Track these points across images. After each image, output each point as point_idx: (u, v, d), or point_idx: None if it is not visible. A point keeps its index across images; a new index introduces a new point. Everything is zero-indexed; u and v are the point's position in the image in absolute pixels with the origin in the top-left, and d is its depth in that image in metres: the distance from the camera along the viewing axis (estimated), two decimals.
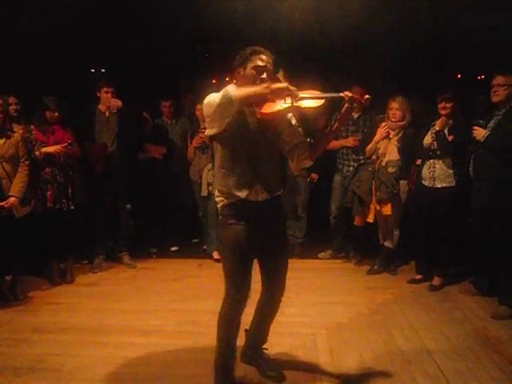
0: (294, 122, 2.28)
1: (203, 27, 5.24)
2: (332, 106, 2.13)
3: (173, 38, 5.67)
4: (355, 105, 2.12)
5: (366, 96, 2.09)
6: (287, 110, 2.05)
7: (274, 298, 2.42)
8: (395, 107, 3.92)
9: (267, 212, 2.23)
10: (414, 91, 4.80)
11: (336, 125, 2.20)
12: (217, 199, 2.27)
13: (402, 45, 5.42)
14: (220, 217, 2.28)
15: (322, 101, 2.05)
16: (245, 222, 2.19)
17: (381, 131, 3.97)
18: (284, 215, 2.43)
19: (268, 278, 2.37)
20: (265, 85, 1.97)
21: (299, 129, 2.28)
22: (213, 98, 2.02)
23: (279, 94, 1.99)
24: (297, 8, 4.76)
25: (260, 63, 2.10)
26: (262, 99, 2.02)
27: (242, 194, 2.17)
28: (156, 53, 5.94)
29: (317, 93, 2.08)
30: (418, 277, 3.89)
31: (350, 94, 2.05)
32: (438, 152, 3.63)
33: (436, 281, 3.74)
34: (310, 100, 2.05)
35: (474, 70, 6.31)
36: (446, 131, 3.61)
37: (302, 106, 2.04)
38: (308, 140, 2.28)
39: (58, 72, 5.37)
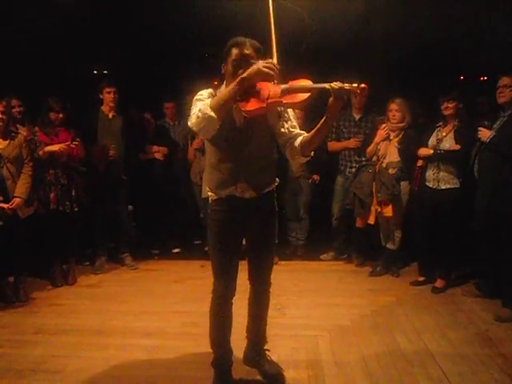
0: (286, 115, 2.17)
1: (205, 29, 5.25)
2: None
3: (175, 40, 5.68)
4: (345, 97, 1.92)
5: (362, 85, 1.84)
6: (267, 106, 1.95)
7: (260, 292, 2.44)
8: (394, 109, 3.92)
9: (254, 210, 2.21)
10: (415, 93, 4.80)
11: (325, 119, 2.00)
12: (208, 193, 2.28)
13: (404, 46, 5.41)
14: (209, 211, 2.29)
15: (307, 94, 1.91)
16: (231, 218, 2.20)
17: (380, 133, 3.97)
18: (273, 213, 2.35)
19: (254, 275, 2.40)
20: (236, 80, 1.93)
21: (293, 123, 2.18)
22: (193, 114, 1.99)
23: (257, 78, 1.91)
24: (297, 9, 4.76)
25: (236, 56, 2.03)
26: (241, 93, 1.95)
27: (224, 192, 2.17)
28: (158, 54, 5.95)
29: (305, 84, 1.94)
30: (421, 279, 3.88)
31: (337, 85, 1.86)
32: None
33: (439, 283, 3.72)
34: (294, 94, 1.93)
35: (476, 71, 6.29)
36: (450, 135, 3.60)
37: (284, 102, 1.95)
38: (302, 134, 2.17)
39: (61, 74, 5.38)
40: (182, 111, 5.10)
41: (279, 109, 2.15)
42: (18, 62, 4.93)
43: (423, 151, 3.70)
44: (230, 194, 2.17)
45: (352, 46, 5.48)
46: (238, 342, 2.46)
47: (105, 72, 6.75)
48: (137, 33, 5.42)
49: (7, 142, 3.49)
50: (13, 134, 3.54)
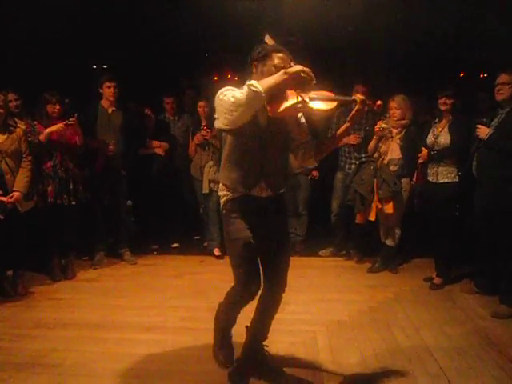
0: (302, 120, 2.31)
1: (205, 24, 5.24)
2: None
3: (174, 35, 5.66)
4: (366, 108, 2.14)
5: (379, 102, 2.15)
6: (299, 108, 2.05)
7: (275, 294, 2.42)
8: (394, 106, 3.92)
9: (269, 208, 2.24)
10: (416, 90, 4.80)
11: (346, 125, 2.21)
12: (220, 193, 2.27)
13: (404, 44, 5.40)
14: (223, 211, 2.28)
15: (334, 104, 2.07)
16: (247, 217, 2.20)
17: (376, 130, 3.94)
18: (286, 212, 2.45)
19: (270, 275, 2.37)
20: (281, 72, 1.98)
21: (307, 129, 2.31)
22: (234, 94, 1.96)
23: (295, 78, 1.97)
24: (297, 7, 4.76)
25: (279, 62, 2.09)
26: (281, 89, 2.01)
27: (246, 190, 2.18)
28: (158, 49, 5.93)
29: (329, 94, 2.10)
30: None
31: (362, 97, 2.11)
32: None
33: (437, 280, 3.73)
34: (322, 102, 2.06)
35: (476, 68, 6.29)
36: (445, 129, 3.62)
37: (314, 108, 2.05)
38: (315, 141, 2.31)
39: (60, 68, 5.36)
40: (182, 106, 5.10)
41: (299, 115, 2.28)
42: (16, 56, 4.91)
43: (422, 155, 3.74)
44: (247, 193, 2.18)
45: (353, 44, 5.48)
46: (237, 338, 2.45)
47: (104, 66, 6.72)
48: (136, 27, 5.40)
49: (5, 136, 3.48)
50: (11, 128, 3.53)
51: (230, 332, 2.41)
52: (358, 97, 2.10)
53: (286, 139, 2.28)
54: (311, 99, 2.04)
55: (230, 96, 1.98)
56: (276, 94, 2.03)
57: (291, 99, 2.03)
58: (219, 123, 2.06)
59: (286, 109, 2.04)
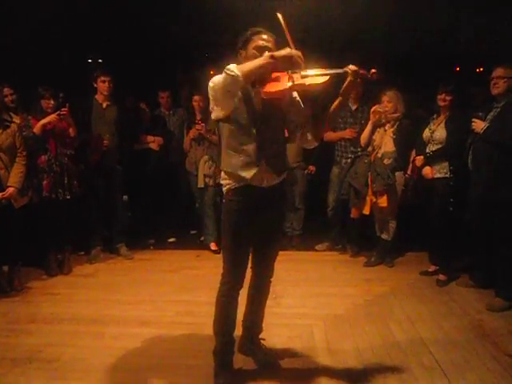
0: (298, 102, 2.28)
1: (201, 18, 5.20)
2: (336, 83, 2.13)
3: (171, 29, 5.63)
4: (359, 80, 2.09)
5: (373, 70, 2.07)
6: (291, 87, 2.03)
7: (264, 280, 2.48)
8: (386, 100, 3.93)
9: (270, 199, 2.25)
10: (412, 85, 4.80)
11: (339, 100, 2.16)
12: (222, 182, 2.27)
13: (401, 39, 5.39)
14: (224, 201, 2.28)
15: (327, 77, 2.03)
16: (249, 208, 2.21)
17: (372, 111, 3.91)
18: (284, 201, 2.50)
19: (260, 262, 2.42)
20: (267, 54, 1.98)
21: (304, 108, 2.28)
22: (217, 79, 2.02)
23: (284, 62, 1.98)
24: (296, 3, 4.74)
25: (261, 42, 2.10)
26: (266, 71, 2.01)
27: (248, 174, 2.16)
28: (154, 43, 5.90)
29: (320, 69, 2.07)
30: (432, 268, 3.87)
31: (354, 68, 2.05)
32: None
33: (441, 276, 3.71)
34: (315, 77, 2.03)
35: (472, 62, 6.29)
36: (442, 125, 3.63)
37: (307, 84, 2.02)
38: (313, 119, 2.27)
39: (56, 63, 5.33)
40: (177, 101, 5.08)
41: (294, 94, 2.25)
42: (11, 50, 4.87)
43: (418, 161, 3.75)
44: (249, 182, 2.17)
45: (349, 37, 5.46)
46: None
47: (100, 61, 6.68)
48: (132, 21, 5.37)
49: (0, 131, 3.46)
50: (6, 123, 3.50)
51: (232, 344, 2.39)
52: (350, 68, 2.06)
53: (282, 120, 2.26)
54: (303, 76, 2.02)
55: (213, 84, 2.02)
56: (267, 76, 2.04)
57: (285, 80, 2.02)
58: (214, 113, 2.11)
59: (281, 91, 2.04)
